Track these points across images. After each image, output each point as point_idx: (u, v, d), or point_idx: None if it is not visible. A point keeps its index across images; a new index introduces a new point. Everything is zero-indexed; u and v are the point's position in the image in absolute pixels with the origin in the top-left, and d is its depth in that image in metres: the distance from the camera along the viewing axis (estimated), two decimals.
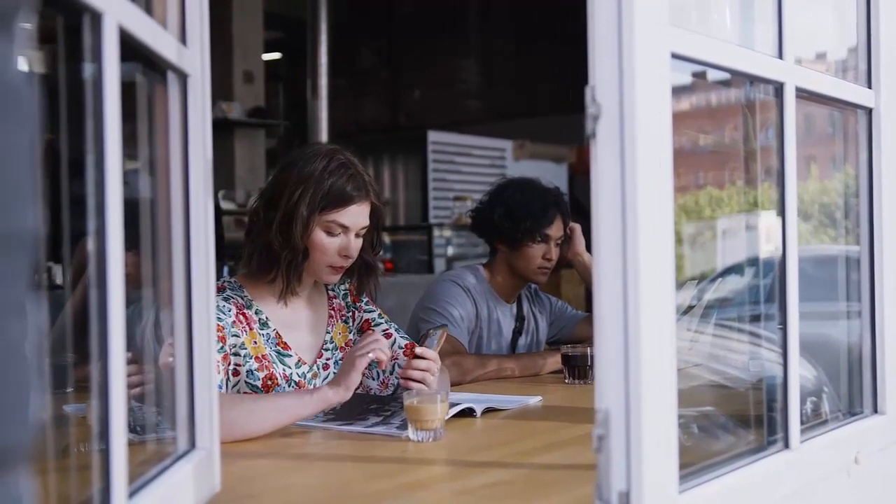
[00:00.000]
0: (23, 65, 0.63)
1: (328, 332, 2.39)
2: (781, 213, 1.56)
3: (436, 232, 7.58)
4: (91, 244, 1.00)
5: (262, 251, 2.24)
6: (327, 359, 2.36)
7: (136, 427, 1.35)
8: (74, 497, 1.14)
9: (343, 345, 2.41)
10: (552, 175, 7.00)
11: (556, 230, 3.07)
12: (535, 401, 2.39)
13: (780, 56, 1.54)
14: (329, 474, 1.73)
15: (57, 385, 1.36)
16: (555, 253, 3.07)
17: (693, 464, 1.36)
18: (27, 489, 0.62)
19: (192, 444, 1.39)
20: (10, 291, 0.58)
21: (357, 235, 2.27)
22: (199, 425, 1.39)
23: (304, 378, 2.28)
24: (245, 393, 2.18)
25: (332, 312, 2.42)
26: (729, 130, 2.08)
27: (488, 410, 2.22)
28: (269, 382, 2.20)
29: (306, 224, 2.20)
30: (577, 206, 3.39)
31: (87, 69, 1.01)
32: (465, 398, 2.21)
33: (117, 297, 1.02)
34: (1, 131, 0.56)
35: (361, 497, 1.54)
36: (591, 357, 2.70)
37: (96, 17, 0.99)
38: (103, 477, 1.01)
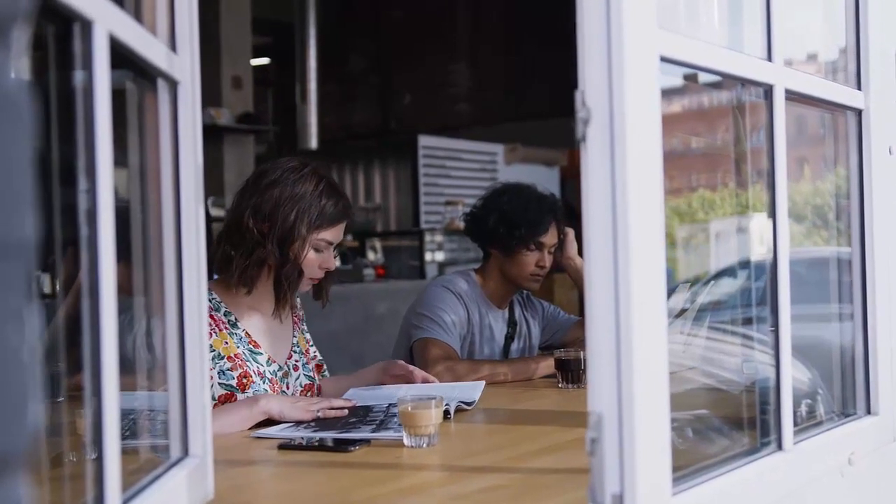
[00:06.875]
0: (19, 73, 0.63)
1: (294, 337, 2.50)
2: (772, 214, 1.56)
3: (427, 237, 7.56)
4: (83, 252, 1.00)
5: (254, 266, 2.30)
6: (296, 360, 2.47)
7: (125, 434, 1.35)
8: None
9: (304, 351, 2.51)
10: (543, 179, 6.99)
11: (550, 238, 3.06)
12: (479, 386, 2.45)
13: (769, 58, 1.55)
14: (323, 481, 1.73)
15: (49, 394, 1.35)
16: (548, 260, 3.06)
17: (687, 466, 1.36)
18: (25, 495, 0.63)
19: (186, 452, 1.38)
20: (9, 299, 0.58)
21: (335, 249, 2.40)
22: (191, 433, 1.39)
23: (276, 376, 2.37)
24: (220, 395, 2.23)
25: (296, 319, 2.54)
26: (721, 132, 2.08)
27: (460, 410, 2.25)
28: (245, 380, 2.28)
29: (304, 242, 2.30)
30: (569, 210, 3.39)
31: (78, 77, 1.01)
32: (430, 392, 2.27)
33: (109, 305, 1.02)
34: (1, 140, 0.56)
35: None
36: (585, 361, 2.70)
37: (87, 25, 0.99)
38: (97, 485, 1.01)
